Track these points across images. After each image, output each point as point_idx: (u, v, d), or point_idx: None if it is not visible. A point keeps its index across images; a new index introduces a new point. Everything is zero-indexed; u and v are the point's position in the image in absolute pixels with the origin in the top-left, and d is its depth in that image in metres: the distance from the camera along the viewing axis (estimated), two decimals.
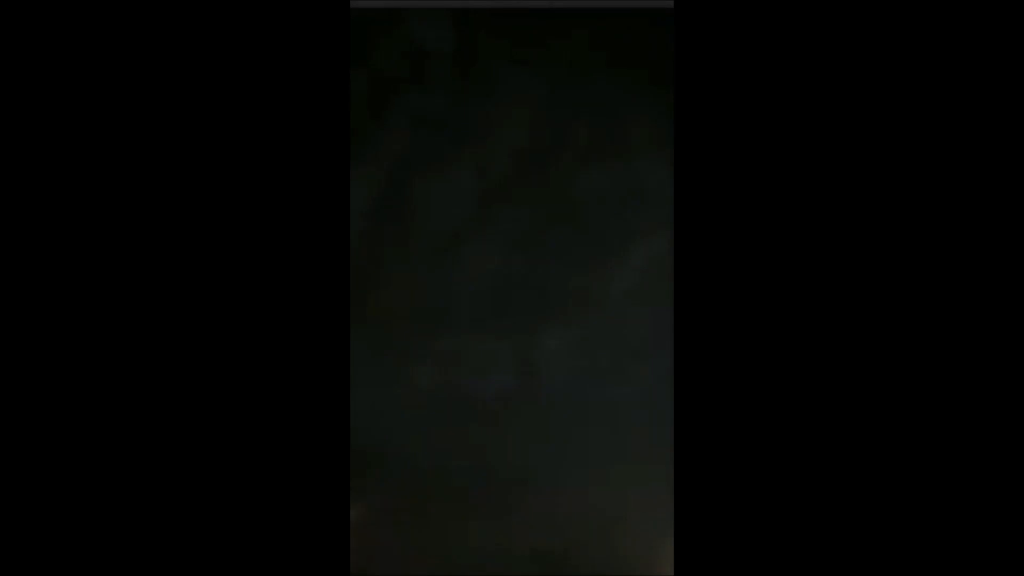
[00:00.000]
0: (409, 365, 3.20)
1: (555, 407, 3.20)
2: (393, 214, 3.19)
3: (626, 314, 3.22)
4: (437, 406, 3.20)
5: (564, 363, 3.22)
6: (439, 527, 3.17)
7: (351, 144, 3.06)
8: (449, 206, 3.19)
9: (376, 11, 3.10)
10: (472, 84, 3.16)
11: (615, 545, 3.16)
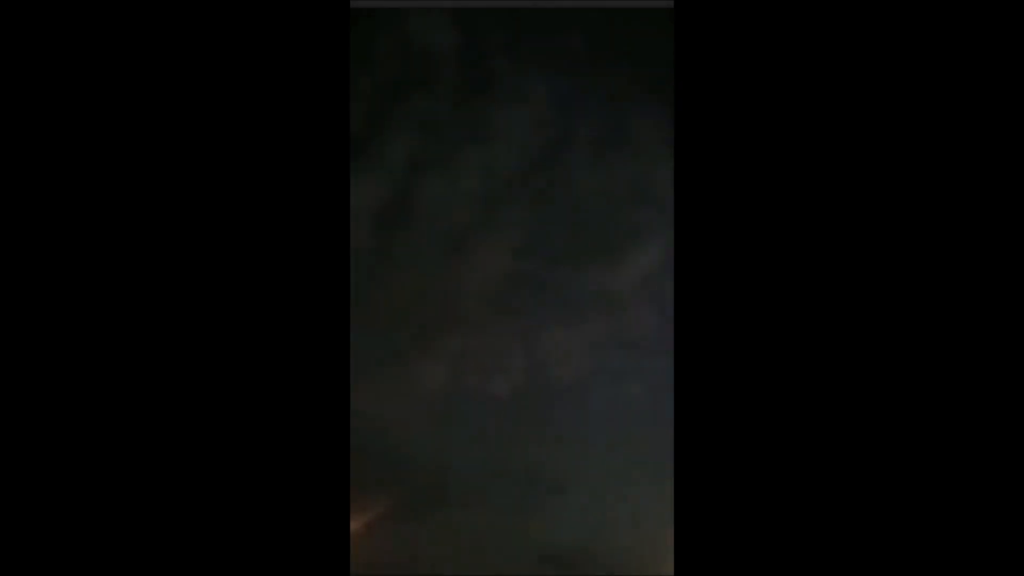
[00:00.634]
0: (417, 366, 3.22)
1: (562, 406, 3.23)
2: (400, 216, 3.21)
3: (633, 313, 3.24)
4: (445, 406, 3.23)
5: (571, 362, 3.24)
6: (447, 524, 3.19)
7: (358, 148, 3.08)
8: (455, 207, 3.21)
9: (377, 11, 3.12)
10: (474, 85, 3.18)
11: (624, 544, 3.17)
